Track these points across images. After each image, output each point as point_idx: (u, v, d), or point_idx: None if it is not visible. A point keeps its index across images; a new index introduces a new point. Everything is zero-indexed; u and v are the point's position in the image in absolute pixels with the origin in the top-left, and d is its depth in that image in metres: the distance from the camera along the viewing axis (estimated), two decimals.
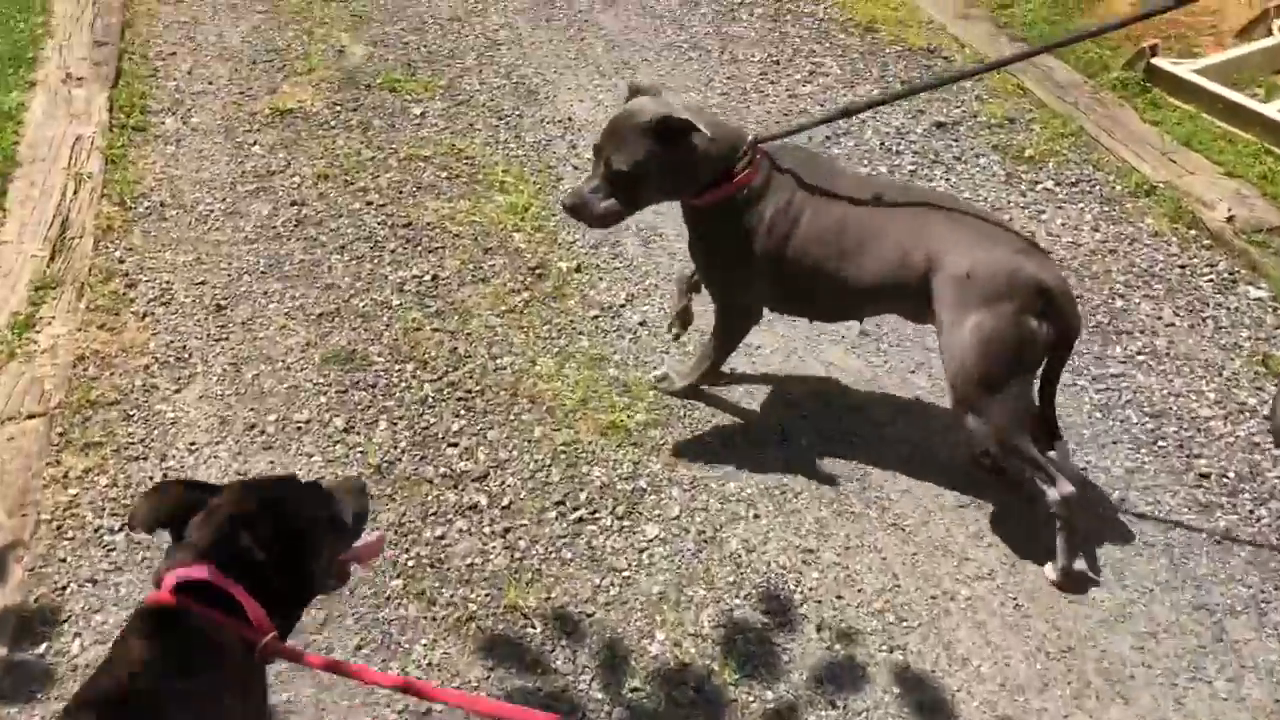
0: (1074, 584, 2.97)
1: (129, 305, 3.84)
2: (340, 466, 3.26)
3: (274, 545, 1.86)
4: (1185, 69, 5.24)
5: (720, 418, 3.49)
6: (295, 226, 4.29)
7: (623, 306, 3.94)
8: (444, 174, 4.64)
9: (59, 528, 3.03)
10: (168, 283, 3.96)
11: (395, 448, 3.33)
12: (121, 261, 4.04)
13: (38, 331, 3.65)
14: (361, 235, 4.26)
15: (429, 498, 3.17)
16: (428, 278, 4.04)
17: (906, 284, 2.96)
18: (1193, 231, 4.40)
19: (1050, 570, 2.98)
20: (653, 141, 2.92)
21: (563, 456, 3.32)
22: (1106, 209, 4.56)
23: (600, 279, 4.08)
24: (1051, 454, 3.01)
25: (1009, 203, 4.59)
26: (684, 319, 3.56)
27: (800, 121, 3.44)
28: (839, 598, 2.93)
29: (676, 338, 3.62)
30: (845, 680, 2.74)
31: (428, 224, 4.33)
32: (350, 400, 3.50)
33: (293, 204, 4.41)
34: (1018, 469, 2.97)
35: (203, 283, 3.98)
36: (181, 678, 1.72)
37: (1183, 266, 4.23)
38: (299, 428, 3.39)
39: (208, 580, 1.79)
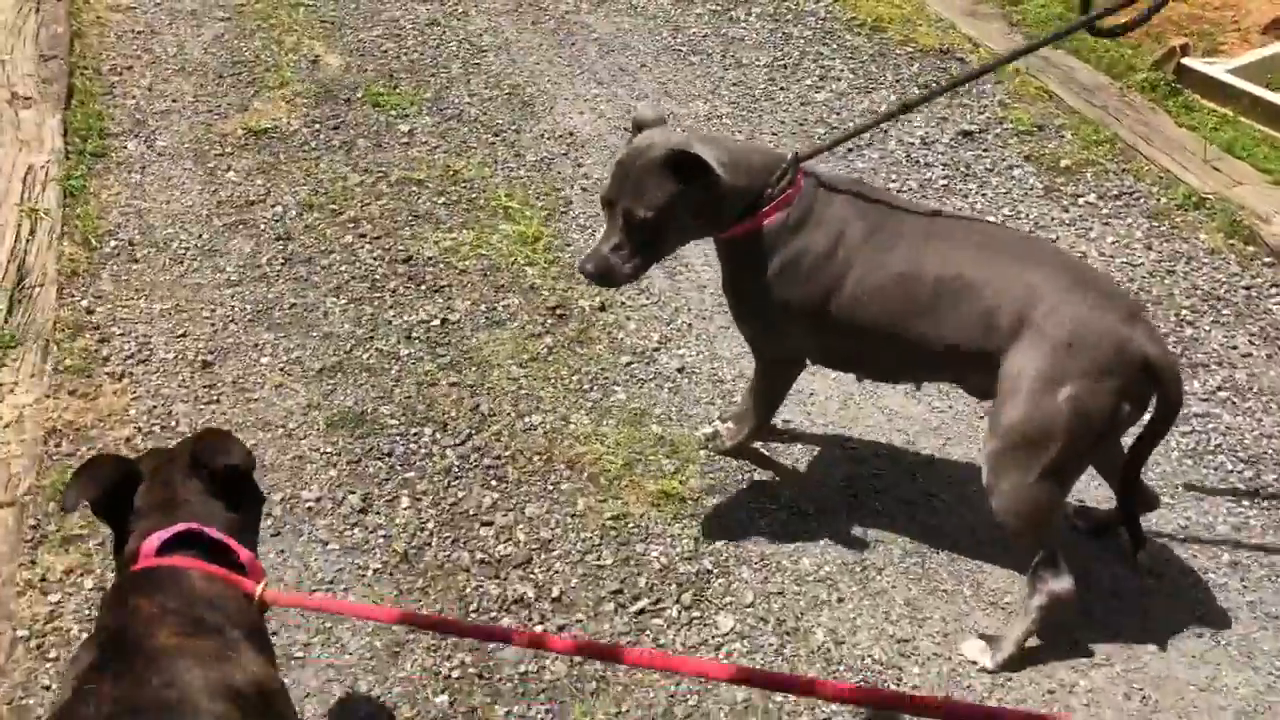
0: (1005, 666, 2.67)
1: (102, 365, 3.40)
2: (361, 555, 2.86)
3: (229, 486, 1.93)
4: (1219, 69, 4.96)
5: (782, 479, 3.13)
6: (283, 265, 3.86)
7: (656, 350, 3.56)
8: (441, 200, 4.22)
9: (39, 646, 2.60)
10: (145, 336, 3.52)
11: (422, 529, 2.93)
12: (90, 312, 3.59)
13: None
14: (357, 273, 3.84)
15: (468, 590, 2.78)
16: (436, 322, 3.64)
17: (986, 352, 2.55)
18: (1251, 248, 4.12)
19: (981, 653, 2.66)
20: (671, 179, 2.56)
21: (613, 534, 2.94)
22: (1156, 224, 4.26)
23: (628, 319, 3.70)
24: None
25: (1052, 219, 4.27)
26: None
27: (850, 127, 3.08)
28: (947, 697, 2.58)
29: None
30: None
31: (429, 259, 3.92)
32: (364, 473, 3.09)
33: (277, 239, 3.98)
34: (1028, 548, 2.63)
35: (184, 335, 3.54)
36: (200, 636, 1.69)
37: (1247, 287, 3.94)
38: (309, 508, 2.98)
39: (190, 535, 1.81)
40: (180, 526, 1.81)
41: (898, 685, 2.60)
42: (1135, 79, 5.15)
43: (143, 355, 3.44)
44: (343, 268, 3.86)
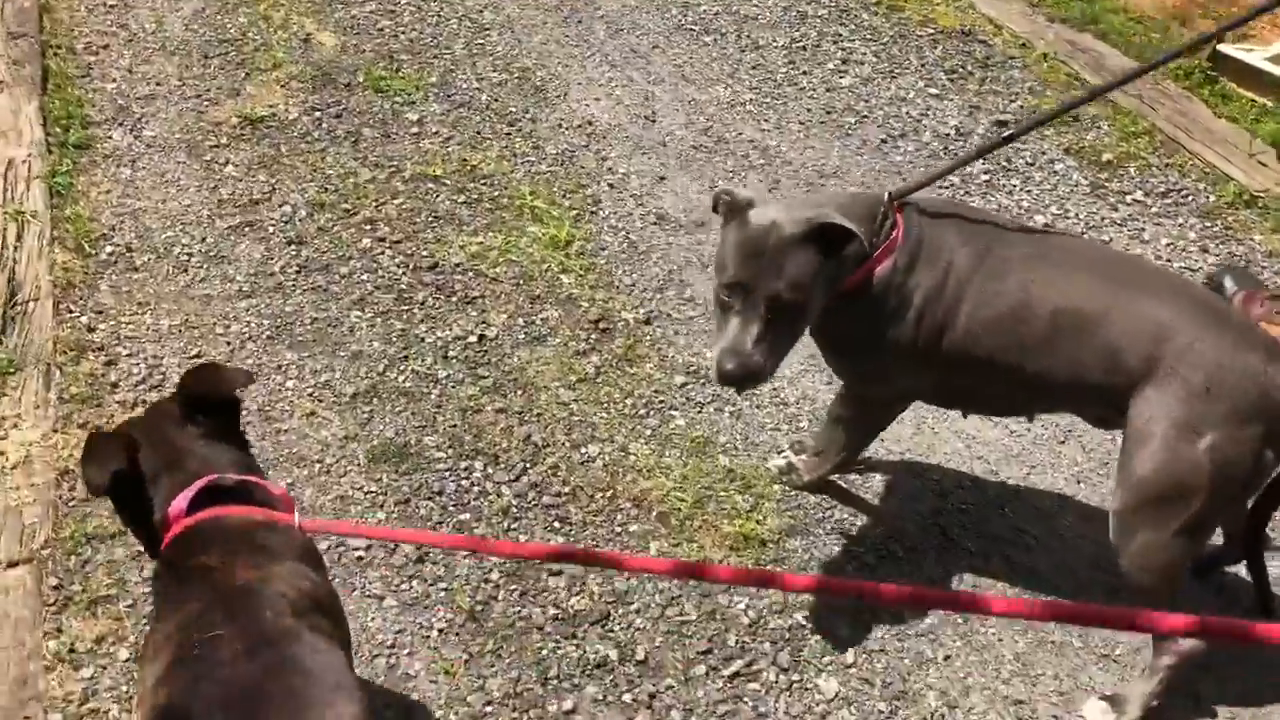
0: None
1: (111, 391, 3.09)
2: (423, 612, 2.61)
3: (226, 423, 1.94)
4: (1257, 56, 4.80)
5: (863, 517, 2.92)
6: (298, 274, 3.55)
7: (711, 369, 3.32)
8: (461, 198, 3.93)
9: None
10: (155, 357, 3.20)
11: (486, 581, 2.69)
12: (92, 330, 3.27)
13: (1, 438, 2.87)
14: (381, 283, 3.55)
15: (544, 653, 2.54)
16: (473, 339, 3.37)
17: (1111, 390, 2.36)
18: None
19: (1104, 714, 2.49)
20: (814, 253, 2.33)
21: (693, 584, 2.72)
22: (1208, 225, 4.10)
23: (676, 333, 3.45)
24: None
25: (1103, 220, 4.09)
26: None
27: (946, 163, 2.86)
28: None
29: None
30: None
31: (457, 265, 3.63)
32: (415, 515, 2.83)
33: (289, 243, 3.67)
34: (1156, 605, 2.44)
35: (197, 355, 3.23)
36: (273, 562, 1.73)
37: None
38: (359, 558, 2.72)
39: (217, 485, 1.82)
40: (200, 482, 1.81)
41: None
42: (1169, 66, 4.96)
43: (155, 379, 3.14)
44: (364, 276, 3.57)
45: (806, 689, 2.51)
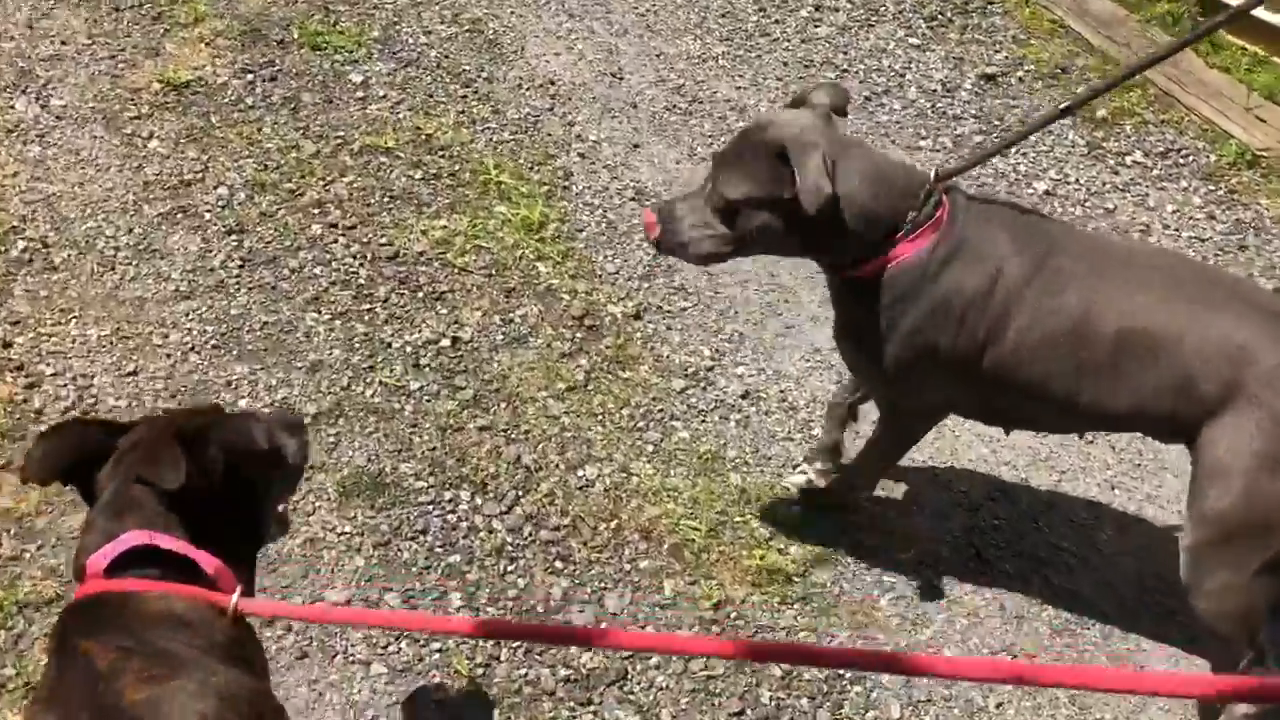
0: None
1: (35, 420, 2.69)
2: (414, 680, 2.31)
3: (212, 485, 1.59)
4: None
5: (891, 540, 2.67)
6: (241, 268, 3.16)
7: (710, 370, 3.03)
8: (418, 174, 3.55)
9: None
10: (85, 376, 2.81)
11: (485, 639, 2.38)
12: (7, 345, 2.86)
13: None
14: (337, 277, 3.17)
15: None
16: (446, 342, 3.02)
17: (1181, 417, 2.15)
18: None
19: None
20: (768, 176, 2.13)
21: (716, 629, 2.45)
22: (1212, 188, 3.88)
23: (668, 328, 3.15)
24: None
25: (1105, 185, 3.86)
26: (834, 455, 2.68)
27: (998, 140, 2.59)
28: None
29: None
30: None
31: (420, 254, 3.27)
32: (397, 559, 2.52)
33: (229, 232, 3.26)
34: (1234, 648, 2.25)
35: (134, 372, 2.85)
36: (174, 674, 1.39)
37: None
38: (339, 631, 2.39)
39: (146, 546, 1.50)
40: (130, 538, 1.50)
41: None
42: (1155, 10, 4.71)
43: (86, 403, 2.75)
44: (317, 270, 3.18)
45: None
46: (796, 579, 2.55)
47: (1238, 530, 2.10)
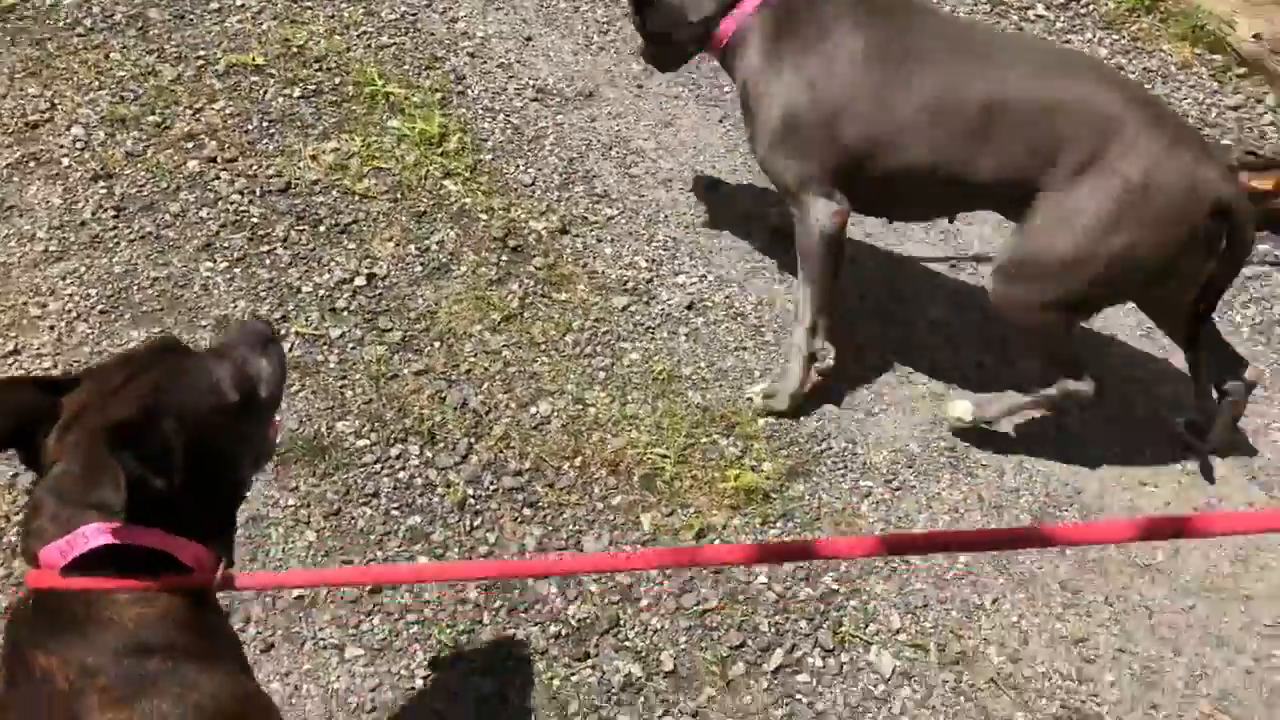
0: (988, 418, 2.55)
1: None
2: (398, 657, 2.14)
3: (178, 464, 1.30)
4: None
5: (858, 437, 2.59)
6: (116, 219, 2.83)
7: (650, 282, 2.86)
8: (296, 92, 3.22)
9: None
10: None
11: (463, 603, 2.22)
12: None
13: None
14: (225, 218, 2.87)
15: (556, 684, 2.13)
16: (360, 280, 2.77)
17: (1036, 184, 2.26)
18: (1219, 57, 3.76)
19: (965, 409, 2.54)
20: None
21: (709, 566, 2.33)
22: (1116, 37, 3.82)
23: (597, 240, 2.95)
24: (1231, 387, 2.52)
25: None
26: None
27: None
28: (1153, 708, 2.21)
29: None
30: None
31: (315, 184, 2.98)
32: (352, 528, 2.31)
33: (94, 178, 2.91)
34: (1048, 359, 2.46)
35: (15, 351, 2.53)
36: (153, 693, 1.25)
37: (1235, 108, 3.59)
38: (299, 597, 2.20)
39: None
40: (92, 534, 1.29)
41: (1097, 705, 2.20)
42: None
43: None
44: (202, 212, 2.87)
45: (860, 669, 2.20)
46: (774, 495, 2.44)
47: (1059, 269, 2.26)
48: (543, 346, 2.67)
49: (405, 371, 2.59)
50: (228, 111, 3.12)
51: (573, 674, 2.14)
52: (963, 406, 2.55)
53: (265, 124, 3.11)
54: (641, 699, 2.12)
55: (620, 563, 1.75)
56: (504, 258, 2.86)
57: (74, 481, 1.34)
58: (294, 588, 2.14)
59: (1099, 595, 2.37)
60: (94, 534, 1.30)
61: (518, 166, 3.09)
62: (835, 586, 2.32)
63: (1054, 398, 2.46)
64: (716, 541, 2.36)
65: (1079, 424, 2.66)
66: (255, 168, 2.98)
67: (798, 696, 2.15)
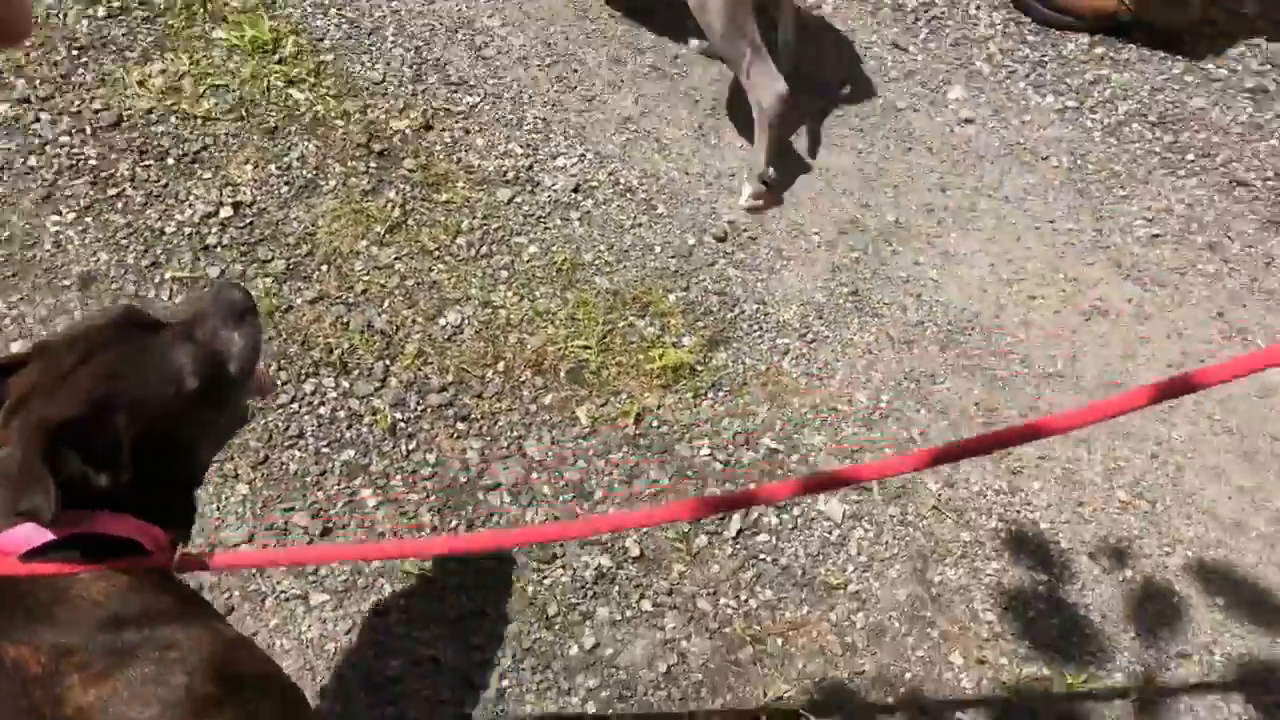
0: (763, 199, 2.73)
1: None
2: (363, 597, 2.10)
3: (126, 461, 1.26)
4: None
5: (766, 297, 2.62)
6: None
7: (530, 169, 2.79)
8: (100, 11, 2.94)
9: None
10: None
11: (422, 529, 2.18)
12: None
13: None
14: (59, 164, 2.63)
15: (531, 591, 2.13)
16: (226, 211, 2.60)
17: None
18: None
19: (746, 192, 2.73)
20: None
21: (645, 445, 2.35)
22: None
23: (464, 130, 2.84)
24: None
25: None
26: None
27: None
28: (1080, 505, 2.37)
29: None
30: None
31: (149, 113, 2.75)
32: (284, 474, 2.23)
33: None
34: (735, 57, 2.63)
35: None
36: (133, 662, 1.22)
37: None
38: (255, 572, 2.11)
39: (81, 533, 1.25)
40: (26, 531, 1.23)
41: (1031, 513, 2.34)
42: None
43: None
44: (31, 160, 2.62)
45: (813, 520, 2.28)
46: (700, 368, 2.46)
47: None
48: (436, 253, 2.58)
49: (298, 301, 2.46)
50: (28, 43, 2.82)
51: (545, 577, 2.14)
52: (745, 192, 2.71)
53: (74, 52, 2.83)
54: (616, 588, 2.15)
55: (658, 516, 1.69)
56: (372, 164, 2.72)
57: (8, 482, 1.24)
58: (275, 566, 2.05)
59: (1013, 410, 2.50)
60: (33, 533, 1.23)
61: (363, 64, 2.92)
62: (775, 446, 2.37)
63: (769, 109, 2.62)
64: (655, 423, 2.37)
65: (964, 247, 2.75)
66: (78, 103, 2.73)
67: (761, 556, 2.22)
